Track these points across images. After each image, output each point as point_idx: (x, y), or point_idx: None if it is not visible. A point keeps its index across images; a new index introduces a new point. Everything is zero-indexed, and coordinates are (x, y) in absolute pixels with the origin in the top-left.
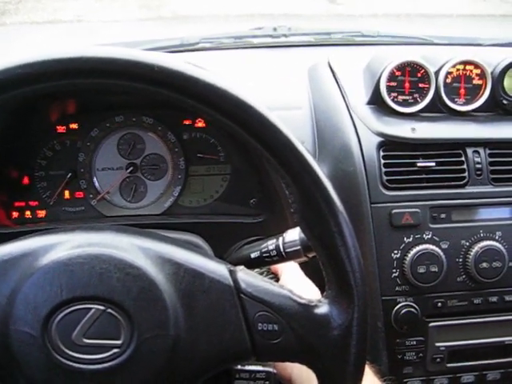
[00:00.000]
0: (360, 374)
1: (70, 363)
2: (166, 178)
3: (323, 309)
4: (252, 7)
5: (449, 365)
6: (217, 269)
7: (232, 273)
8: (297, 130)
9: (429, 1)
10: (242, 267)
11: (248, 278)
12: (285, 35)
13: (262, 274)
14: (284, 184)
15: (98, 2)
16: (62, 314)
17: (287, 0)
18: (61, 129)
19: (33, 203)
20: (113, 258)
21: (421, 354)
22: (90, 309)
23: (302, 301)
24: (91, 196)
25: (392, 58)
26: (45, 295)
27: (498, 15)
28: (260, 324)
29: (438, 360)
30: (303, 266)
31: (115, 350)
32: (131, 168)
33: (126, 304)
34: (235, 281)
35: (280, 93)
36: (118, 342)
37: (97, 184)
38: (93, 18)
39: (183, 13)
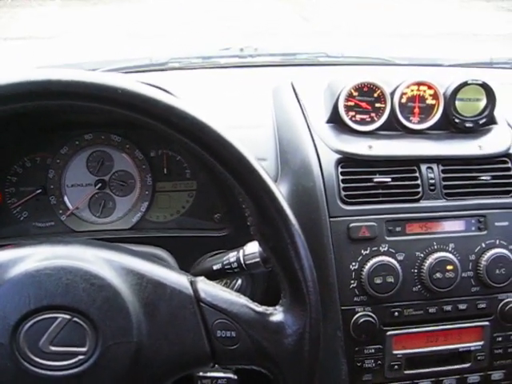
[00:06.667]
0: (313, 378)
1: (38, 370)
2: (133, 194)
3: (278, 316)
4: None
5: (406, 372)
6: (178, 279)
7: (192, 283)
8: (260, 148)
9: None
10: (202, 278)
11: (207, 287)
12: (251, 55)
13: (225, 284)
14: (240, 198)
15: (74, 20)
16: (29, 323)
17: (263, 19)
18: (31, 146)
19: (3, 219)
20: (79, 270)
21: (379, 362)
22: (57, 318)
23: (259, 309)
24: (61, 212)
25: (350, 78)
26: (13, 305)
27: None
28: (219, 331)
29: (396, 367)
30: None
31: (80, 357)
32: (100, 184)
33: (91, 313)
34: (195, 290)
35: (245, 112)
36: (83, 349)
37: (66, 200)
38: (67, 35)
39: (162, 31)
